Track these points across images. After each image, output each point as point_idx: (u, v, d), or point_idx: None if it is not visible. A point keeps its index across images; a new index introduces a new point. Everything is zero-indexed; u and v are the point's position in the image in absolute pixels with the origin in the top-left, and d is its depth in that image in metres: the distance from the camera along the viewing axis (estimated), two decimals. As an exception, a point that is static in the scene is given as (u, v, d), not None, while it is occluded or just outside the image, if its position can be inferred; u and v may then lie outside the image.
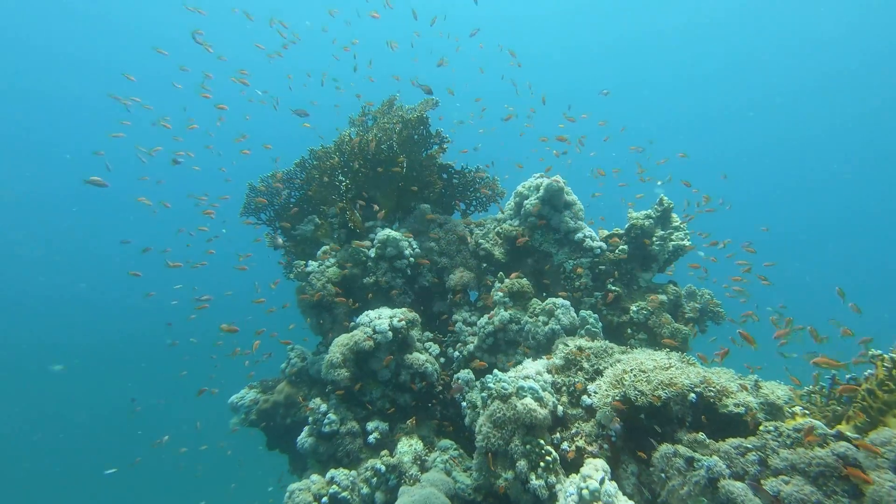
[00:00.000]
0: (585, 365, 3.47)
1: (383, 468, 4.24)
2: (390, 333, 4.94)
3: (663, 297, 4.92)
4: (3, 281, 36.25)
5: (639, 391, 2.87)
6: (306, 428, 4.82)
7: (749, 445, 2.45)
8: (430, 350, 5.55)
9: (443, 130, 6.37)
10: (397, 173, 6.30)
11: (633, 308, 5.10)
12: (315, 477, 4.41)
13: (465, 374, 5.06)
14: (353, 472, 4.43)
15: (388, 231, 5.89)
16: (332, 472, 4.37)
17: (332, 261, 6.04)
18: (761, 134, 37.98)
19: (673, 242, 5.54)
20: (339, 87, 10.47)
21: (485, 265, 6.33)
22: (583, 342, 3.72)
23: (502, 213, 6.43)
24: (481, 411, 3.43)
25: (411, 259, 5.93)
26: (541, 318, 5.16)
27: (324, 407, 4.75)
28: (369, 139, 6.28)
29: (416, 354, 5.21)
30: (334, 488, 4.26)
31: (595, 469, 2.62)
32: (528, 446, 2.98)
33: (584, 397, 3.31)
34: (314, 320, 5.71)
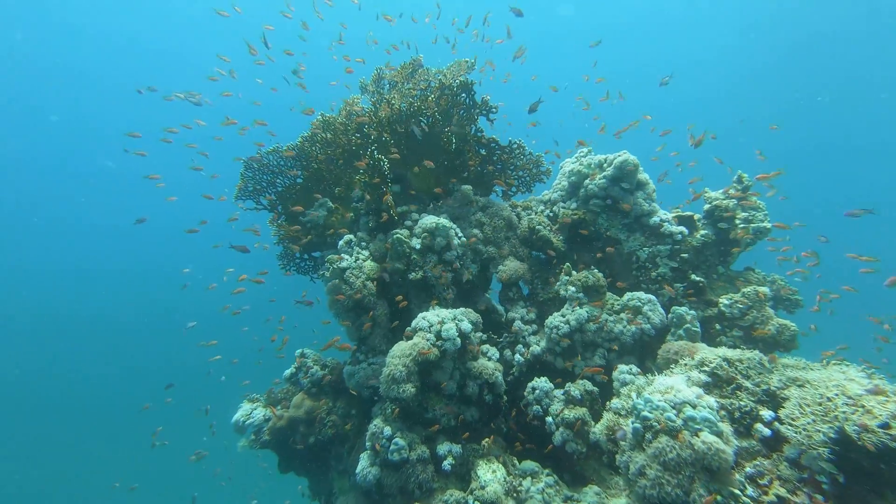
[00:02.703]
0: (747, 384, 2.87)
1: (478, 508, 3.54)
2: (459, 340, 4.18)
3: (765, 289, 4.40)
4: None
5: (862, 427, 2.28)
6: (365, 455, 4.02)
7: None
8: (489, 354, 4.82)
9: (490, 98, 5.48)
10: (439, 149, 5.40)
11: (724, 301, 4.56)
12: (384, 519, 3.65)
13: (543, 383, 4.38)
14: (429, 510, 3.71)
15: (433, 218, 5.03)
16: (405, 512, 3.63)
17: (366, 253, 5.13)
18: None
19: (754, 225, 5.02)
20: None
21: (538, 254, 5.62)
22: (728, 352, 3.12)
23: (558, 194, 5.69)
24: (629, 445, 2.77)
25: (460, 250, 5.12)
26: (623, 315, 4.54)
27: (388, 430, 3.95)
28: (402, 107, 5.31)
29: (482, 361, 4.48)
30: (412, 532, 3.53)
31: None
32: (719, 497, 2.36)
33: (758, 426, 2.72)
34: (353, 324, 4.83)
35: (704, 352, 3.23)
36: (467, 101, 5.47)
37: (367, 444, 4.01)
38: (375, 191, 4.98)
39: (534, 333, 5.11)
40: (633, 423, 2.75)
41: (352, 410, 5.42)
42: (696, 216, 5.26)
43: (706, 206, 5.03)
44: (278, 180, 6.35)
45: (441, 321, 4.29)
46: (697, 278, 4.75)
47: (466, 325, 4.27)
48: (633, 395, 3.25)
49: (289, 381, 6.06)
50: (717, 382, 2.99)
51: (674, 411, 2.64)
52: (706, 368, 3.05)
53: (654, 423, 2.63)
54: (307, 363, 5.80)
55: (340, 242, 5.29)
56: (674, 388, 2.85)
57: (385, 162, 4.84)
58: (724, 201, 4.90)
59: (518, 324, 5.10)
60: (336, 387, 5.57)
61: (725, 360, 3.04)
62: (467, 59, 5.97)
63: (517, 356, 4.94)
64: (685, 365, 3.28)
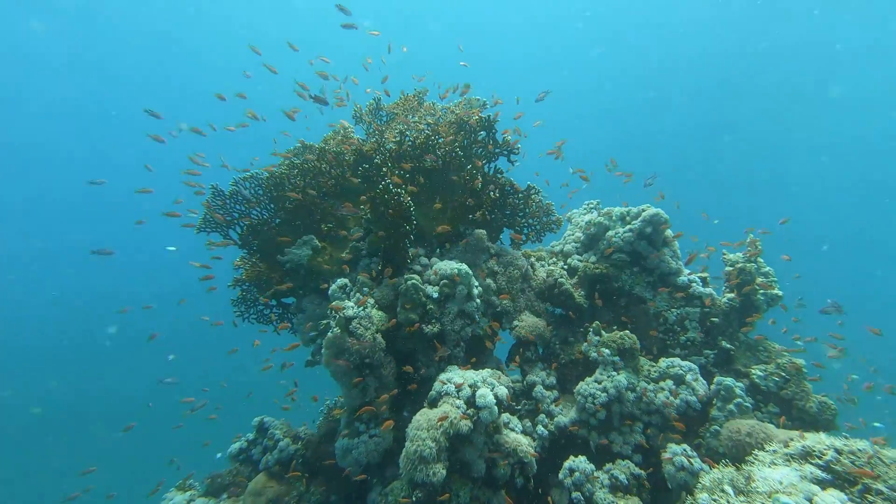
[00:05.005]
0: (881, 487, 2.47)
1: None
2: (496, 409, 3.48)
3: (800, 361, 4.22)
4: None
5: None
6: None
7: None
8: (511, 425, 4.14)
9: (511, 137, 5.14)
10: (453, 187, 4.90)
11: (758, 372, 4.31)
12: None
13: (583, 463, 3.75)
14: None
15: (452, 263, 4.42)
16: None
17: (372, 301, 4.35)
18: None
19: (772, 291, 4.95)
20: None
21: (555, 309, 5.16)
22: (835, 441, 2.74)
23: (569, 244, 5.35)
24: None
25: (478, 301, 4.52)
26: (664, 384, 4.12)
27: (407, 535, 3.07)
28: (412, 140, 4.79)
29: (513, 435, 3.78)
30: None
31: None
32: None
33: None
34: (353, 384, 3.94)
35: (808, 439, 2.82)
36: (487, 139, 5.09)
37: (381, 551, 3.08)
38: (391, 229, 4.30)
39: (555, 401, 4.53)
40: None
41: (331, 496, 4.37)
42: (707, 276, 5.13)
43: (727, 269, 4.91)
44: (253, 212, 5.43)
45: (473, 385, 3.59)
46: (728, 345, 4.51)
47: (502, 391, 3.60)
48: (730, 490, 2.73)
49: (236, 458, 4.83)
50: (837, 482, 2.56)
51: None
52: (819, 462, 2.63)
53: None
54: (274, 434, 4.71)
55: (333, 287, 4.46)
56: (797, 487, 2.38)
57: (404, 195, 4.21)
58: (746, 265, 4.81)
59: (539, 390, 4.50)
60: (310, 465, 4.51)
61: (838, 450, 2.65)
62: (478, 97, 5.67)
63: (539, 428, 4.29)
64: (777, 453, 2.85)
